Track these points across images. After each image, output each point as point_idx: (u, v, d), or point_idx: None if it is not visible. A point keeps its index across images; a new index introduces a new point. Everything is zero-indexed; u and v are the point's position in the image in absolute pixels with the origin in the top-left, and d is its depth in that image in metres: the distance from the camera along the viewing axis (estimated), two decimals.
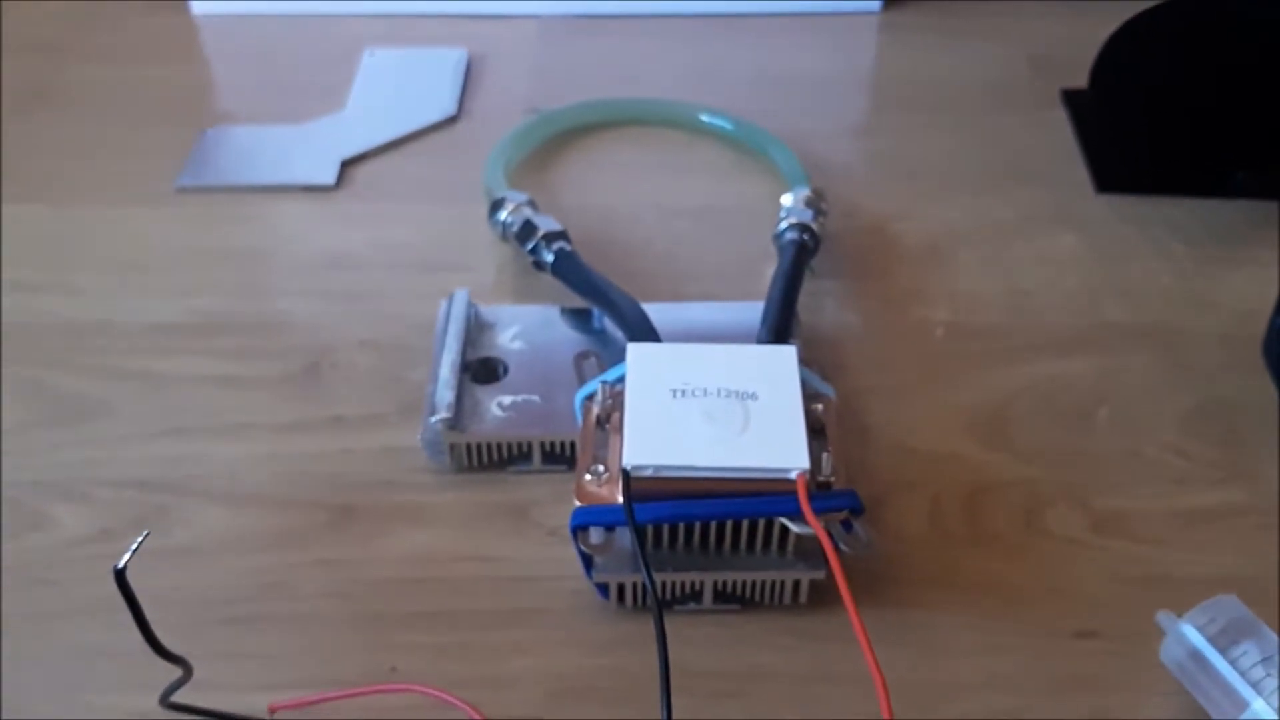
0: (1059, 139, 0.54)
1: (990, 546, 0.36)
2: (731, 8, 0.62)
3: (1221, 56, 0.48)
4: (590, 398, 0.35)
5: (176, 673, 0.28)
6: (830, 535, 0.32)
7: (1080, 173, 0.52)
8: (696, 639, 0.34)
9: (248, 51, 0.61)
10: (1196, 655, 0.31)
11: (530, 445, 0.38)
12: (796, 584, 0.34)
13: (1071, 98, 0.56)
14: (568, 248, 0.44)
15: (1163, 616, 0.33)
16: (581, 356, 0.40)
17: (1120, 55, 0.48)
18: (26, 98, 0.57)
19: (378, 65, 0.58)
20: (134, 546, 0.24)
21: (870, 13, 0.63)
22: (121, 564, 0.24)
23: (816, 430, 0.34)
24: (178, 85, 0.58)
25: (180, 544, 0.36)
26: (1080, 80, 0.54)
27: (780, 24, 0.62)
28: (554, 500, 0.37)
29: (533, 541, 0.36)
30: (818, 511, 0.31)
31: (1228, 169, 0.50)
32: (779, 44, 0.61)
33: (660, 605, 0.31)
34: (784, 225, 0.44)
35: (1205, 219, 0.49)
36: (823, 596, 0.34)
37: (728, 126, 0.53)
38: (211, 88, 0.59)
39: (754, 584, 0.34)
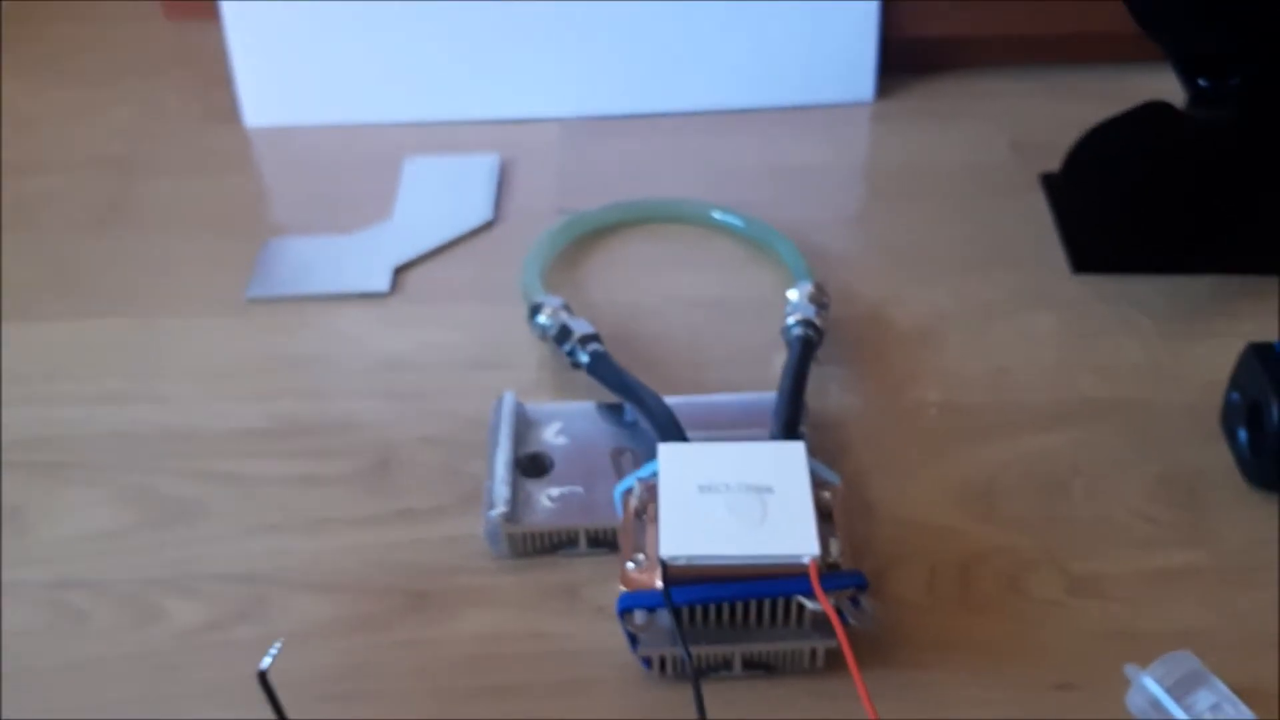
0: (1038, 221, 0.60)
1: (980, 610, 0.42)
2: (736, 105, 0.68)
3: (1179, 155, 0.53)
4: (628, 492, 0.41)
5: None
6: (840, 610, 0.37)
7: (1057, 253, 0.57)
8: (730, 703, 0.39)
9: (297, 162, 0.67)
10: (1156, 704, 0.37)
11: (577, 533, 0.43)
12: (814, 651, 0.39)
13: (1049, 181, 0.61)
14: (600, 349, 0.49)
15: (1129, 669, 0.38)
16: (618, 453, 0.46)
17: (1086, 156, 0.54)
18: (101, 211, 0.63)
19: (418, 173, 0.64)
20: (273, 651, 0.30)
21: (863, 103, 0.69)
22: (264, 666, 0.30)
23: (825, 515, 0.40)
24: (235, 196, 0.65)
25: (278, 630, 0.42)
26: (1057, 163, 0.60)
27: (781, 117, 0.68)
28: (600, 580, 0.43)
29: (583, 618, 0.42)
30: (828, 590, 0.37)
31: (1191, 248, 0.55)
32: (781, 136, 0.67)
33: (697, 674, 0.36)
34: (791, 320, 0.50)
35: (1171, 295, 0.55)
36: (838, 661, 0.39)
37: (738, 223, 0.59)
38: (266, 198, 0.65)
39: (777, 653, 0.39)
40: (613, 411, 0.48)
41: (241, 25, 0.67)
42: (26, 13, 0.82)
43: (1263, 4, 0.47)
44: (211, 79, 0.72)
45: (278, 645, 0.30)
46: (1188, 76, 0.51)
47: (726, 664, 0.39)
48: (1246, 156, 0.52)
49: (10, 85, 0.74)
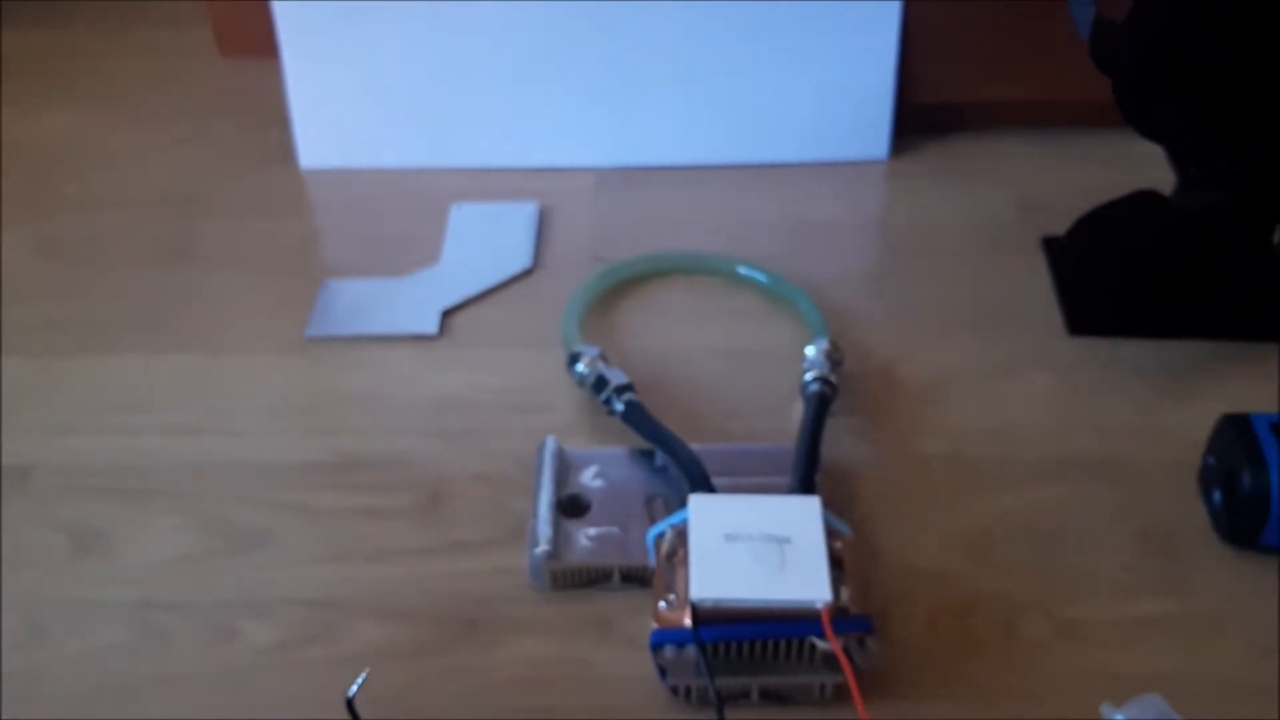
0: (1039, 282, 0.64)
1: (976, 651, 0.46)
2: (760, 159, 0.73)
3: (1168, 234, 0.58)
4: (660, 537, 0.46)
5: None
6: (847, 650, 0.42)
7: (1056, 314, 0.62)
8: None
9: (349, 204, 0.72)
10: None
11: (612, 570, 0.48)
12: (823, 686, 0.44)
13: (1050, 244, 0.66)
14: (634, 399, 0.54)
15: (1105, 708, 0.43)
16: (650, 498, 0.50)
17: (1083, 237, 0.58)
18: (168, 249, 0.68)
19: (464, 219, 0.69)
20: (359, 680, 0.35)
21: (878, 161, 0.73)
22: (351, 693, 0.35)
23: (837, 562, 0.45)
24: (291, 237, 0.69)
25: (345, 652, 0.47)
26: (1060, 225, 0.64)
27: (802, 172, 0.73)
28: (632, 614, 0.47)
29: (617, 648, 0.47)
30: (838, 633, 0.42)
31: (1180, 314, 0.60)
32: (802, 191, 0.71)
33: (720, 704, 0.41)
34: (809, 377, 0.55)
35: (1161, 358, 0.59)
36: (845, 695, 0.43)
37: (762, 279, 0.63)
38: (320, 239, 0.70)
39: (791, 686, 0.44)
40: (645, 457, 0.53)
41: (300, 72, 0.72)
42: (90, 49, 0.87)
43: (1246, 111, 0.52)
44: (265, 119, 0.76)
45: (364, 675, 0.35)
46: (1179, 164, 0.56)
47: (745, 694, 0.44)
48: (1232, 234, 0.57)
49: (78, 122, 0.79)
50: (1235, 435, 0.49)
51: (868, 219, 0.71)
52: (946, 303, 0.63)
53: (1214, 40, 0.51)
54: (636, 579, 0.48)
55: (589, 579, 0.49)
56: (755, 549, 0.44)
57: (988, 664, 0.46)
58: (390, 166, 0.74)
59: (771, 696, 0.44)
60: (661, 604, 0.44)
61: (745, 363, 0.60)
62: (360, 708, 0.44)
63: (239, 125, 0.78)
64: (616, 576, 0.48)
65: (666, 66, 0.71)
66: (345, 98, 0.73)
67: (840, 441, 0.55)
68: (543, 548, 0.48)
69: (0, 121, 0.79)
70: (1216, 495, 0.50)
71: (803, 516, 0.45)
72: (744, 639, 0.42)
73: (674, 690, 0.44)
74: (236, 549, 0.51)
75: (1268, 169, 0.54)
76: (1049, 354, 0.60)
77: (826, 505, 0.47)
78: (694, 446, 0.51)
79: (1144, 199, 0.56)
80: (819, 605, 0.42)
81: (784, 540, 0.44)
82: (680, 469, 0.50)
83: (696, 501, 0.46)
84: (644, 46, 0.71)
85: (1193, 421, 0.55)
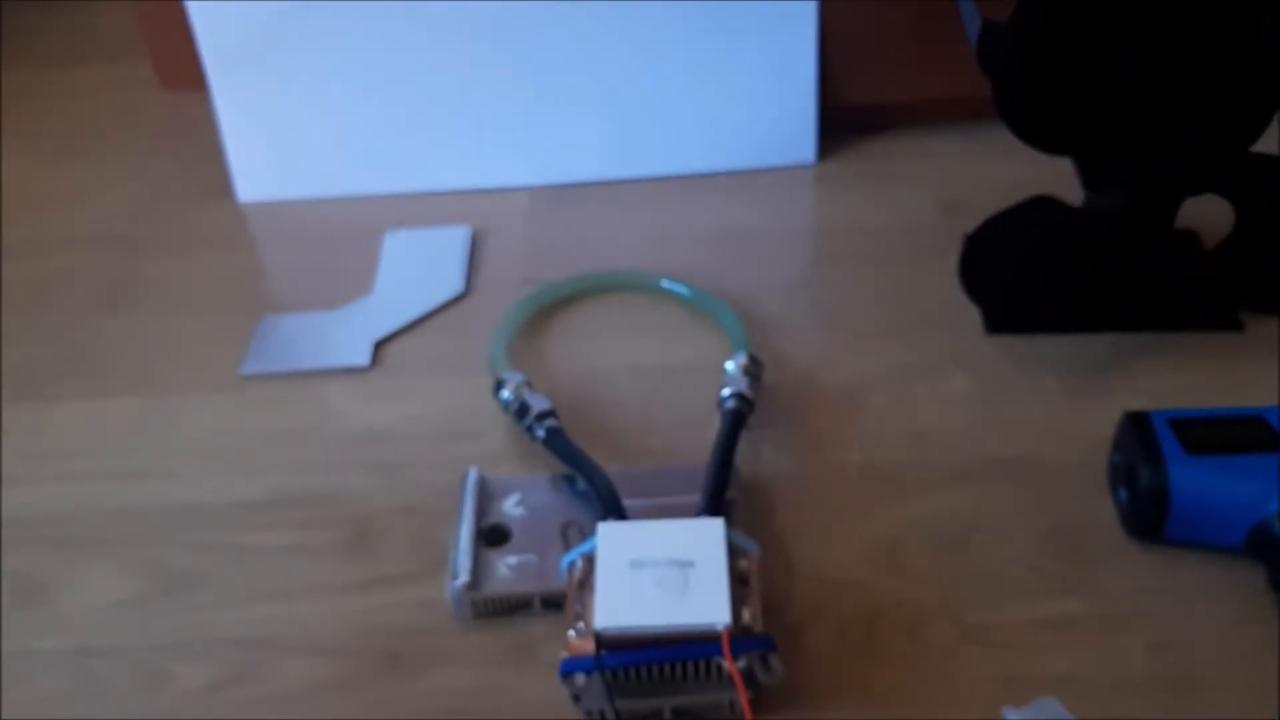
0: (958, 283, 0.65)
1: (882, 659, 0.48)
2: (690, 169, 0.74)
3: (1070, 234, 0.59)
4: (572, 565, 0.47)
5: None
6: (752, 668, 0.43)
7: (974, 315, 0.63)
8: None
9: (286, 237, 0.73)
10: None
11: (532, 597, 0.50)
12: (731, 703, 0.45)
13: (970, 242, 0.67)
14: (555, 424, 0.55)
15: (1007, 710, 0.44)
16: (566, 525, 0.52)
17: (985, 243, 0.59)
18: (106, 292, 0.70)
19: (397, 246, 0.70)
20: None
21: (806, 165, 0.74)
22: None
23: (743, 580, 0.46)
24: (230, 273, 0.70)
25: (275, 690, 0.48)
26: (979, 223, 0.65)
27: (732, 181, 0.74)
28: (553, 639, 0.48)
29: (538, 674, 0.48)
30: (738, 653, 0.43)
31: (1091, 309, 0.61)
32: (731, 200, 0.73)
33: None
34: (726, 393, 0.56)
35: (1075, 353, 0.60)
36: (758, 707, 0.45)
37: (685, 292, 0.64)
38: (259, 273, 0.71)
39: (701, 704, 0.45)
40: (567, 481, 0.54)
41: (231, 106, 0.73)
42: (31, 86, 0.88)
43: (1120, 112, 0.53)
44: (205, 154, 0.78)
45: None
46: (1076, 164, 0.56)
47: (658, 714, 0.45)
48: (1136, 230, 0.58)
49: (16, 162, 0.81)
50: (1135, 432, 0.51)
51: (794, 225, 0.72)
52: (868, 307, 0.65)
53: (1088, 43, 0.51)
54: (556, 604, 0.50)
55: (510, 607, 0.50)
56: (659, 575, 0.45)
57: (895, 672, 0.47)
58: (327, 196, 0.75)
59: (684, 715, 0.45)
60: (571, 632, 0.45)
61: (669, 379, 0.61)
62: None
63: (180, 160, 0.80)
64: (537, 603, 0.50)
65: (592, 83, 0.72)
66: (278, 129, 0.74)
67: (760, 453, 0.56)
68: (462, 579, 0.49)
69: None
70: (1122, 492, 0.52)
71: (706, 539, 0.46)
72: (647, 663, 0.44)
73: (588, 715, 0.45)
74: (168, 592, 0.52)
75: (1153, 166, 0.54)
76: (965, 355, 0.61)
77: (742, 520, 0.48)
78: (613, 468, 0.52)
79: (1040, 203, 0.57)
80: (719, 628, 0.43)
81: (688, 564, 0.45)
82: (594, 494, 0.51)
83: (605, 530, 0.47)
84: (568, 65, 0.72)
85: (1105, 417, 0.56)
